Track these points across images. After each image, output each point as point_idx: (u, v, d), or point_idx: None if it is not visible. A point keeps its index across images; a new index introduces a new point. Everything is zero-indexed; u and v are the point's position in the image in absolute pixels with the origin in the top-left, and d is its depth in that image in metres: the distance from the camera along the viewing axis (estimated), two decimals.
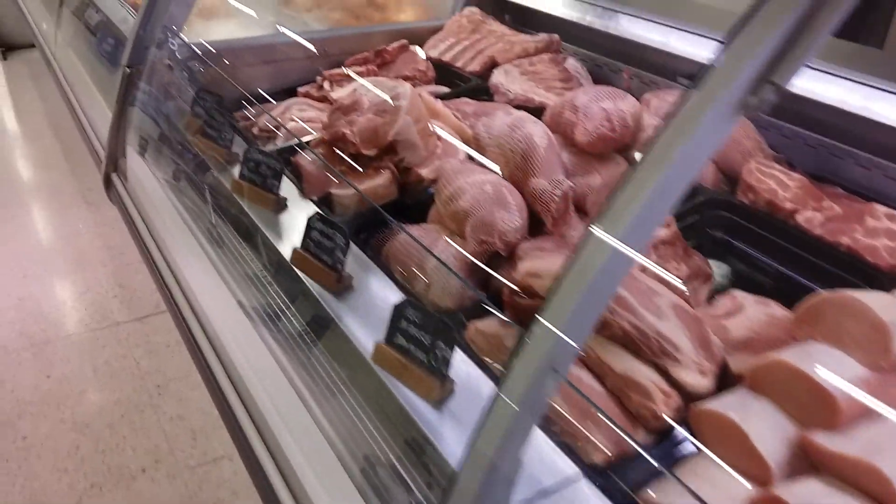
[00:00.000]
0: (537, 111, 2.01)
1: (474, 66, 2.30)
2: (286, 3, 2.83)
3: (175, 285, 1.88)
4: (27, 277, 2.93)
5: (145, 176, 2.10)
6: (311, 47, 2.28)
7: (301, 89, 2.27)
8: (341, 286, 1.37)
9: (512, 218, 1.37)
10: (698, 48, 2.01)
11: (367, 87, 1.85)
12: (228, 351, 1.52)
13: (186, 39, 2.07)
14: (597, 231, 0.75)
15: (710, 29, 1.99)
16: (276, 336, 1.50)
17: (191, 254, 1.86)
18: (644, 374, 1.07)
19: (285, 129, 1.96)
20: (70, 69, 2.88)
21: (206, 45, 2.13)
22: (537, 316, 0.77)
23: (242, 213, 1.73)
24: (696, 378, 1.08)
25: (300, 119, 2.08)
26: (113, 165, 2.15)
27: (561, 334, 0.77)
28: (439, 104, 1.93)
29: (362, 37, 2.44)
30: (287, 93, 2.30)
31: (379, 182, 1.72)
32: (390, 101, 1.73)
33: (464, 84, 2.30)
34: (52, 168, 3.94)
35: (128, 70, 2.03)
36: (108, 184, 2.18)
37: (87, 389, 2.36)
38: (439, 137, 1.83)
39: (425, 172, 1.74)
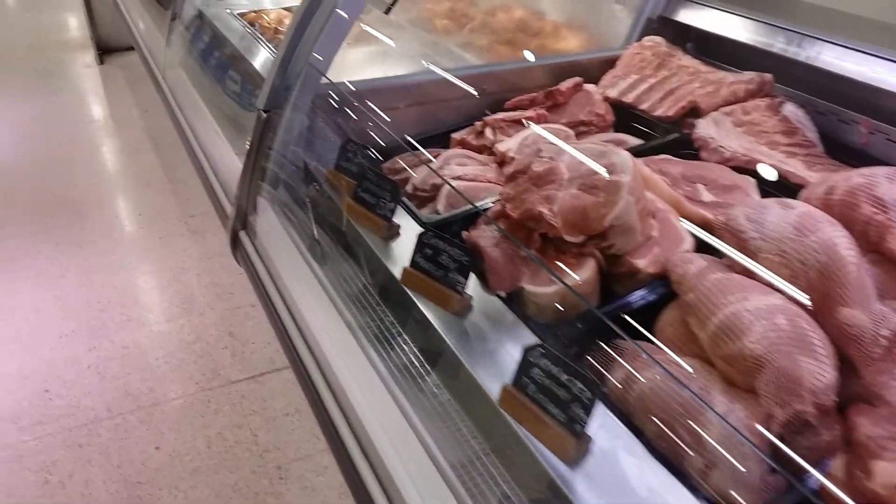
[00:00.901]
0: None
1: (665, 110, 1.90)
2: (425, 27, 2.49)
3: (318, 374, 1.56)
4: (131, 321, 2.70)
5: (279, 237, 1.79)
6: (465, 86, 1.93)
7: (456, 135, 1.93)
8: (580, 451, 1.01)
9: (822, 370, 0.99)
10: None
11: (563, 148, 1.49)
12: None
13: (331, 79, 1.75)
14: None
15: None
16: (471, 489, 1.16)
17: (339, 342, 1.54)
18: None
19: (458, 192, 1.61)
20: (185, 98, 2.61)
21: (351, 85, 1.80)
22: None
23: (412, 306, 1.39)
24: None
25: (463, 177, 1.74)
26: (241, 222, 1.85)
27: None
28: (646, 169, 1.55)
29: (521, 72, 2.08)
30: (436, 139, 1.96)
31: (584, 276, 1.35)
32: (604, 173, 1.35)
33: (651, 132, 1.91)
34: (153, 187, 3.73)
35: (264, 115, 1.72)
36: (234, 242, 1.89)
37: (200, 468, 2.09)
38: (654, 215, 1.45)
39: (642, 264, 1.37)
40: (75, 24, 6.63)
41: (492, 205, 1.61)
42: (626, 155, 1.39)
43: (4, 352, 2.53)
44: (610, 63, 2.15)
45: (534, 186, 1.44)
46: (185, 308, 2.80)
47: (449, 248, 1.31)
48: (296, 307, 1.68)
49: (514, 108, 1.97)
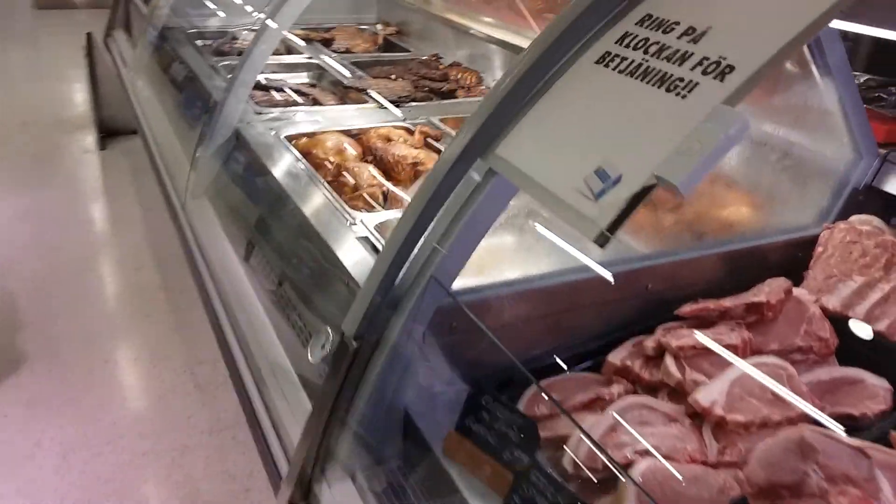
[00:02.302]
0: None
1: None
2: None
3: None
4: None
5: None
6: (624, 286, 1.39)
7: (615, 359, 1.39)
8: None
9: None
10: None
11: (854, 449, 0.93)
12: None
13: (453, 294, 1.20)
14: None
15: None
16: None
17: None
18: None
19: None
20: (214, 250, 2.07)
21: (478, 294, 1.26)
22: None
23: None
24: None
25: (655, 448, 1.16)
26: (302, 492, 1.26)
27: None
28: None
29: (687, 263, 1.54)
30: (585, 356, 1.41)
31: None
32: None
33: (892, 364, 1.36)
34: (153, 318, 3.18)
35: (353, 344, 1.16)
36: None
37: None
38: None
39: None
40: (78, 99, 6.20)
41: None
42: None
43: None
44: (801, 247, 1.63)
45: None
46: None
47: None
48: None
49: (693, 318, 1.42)
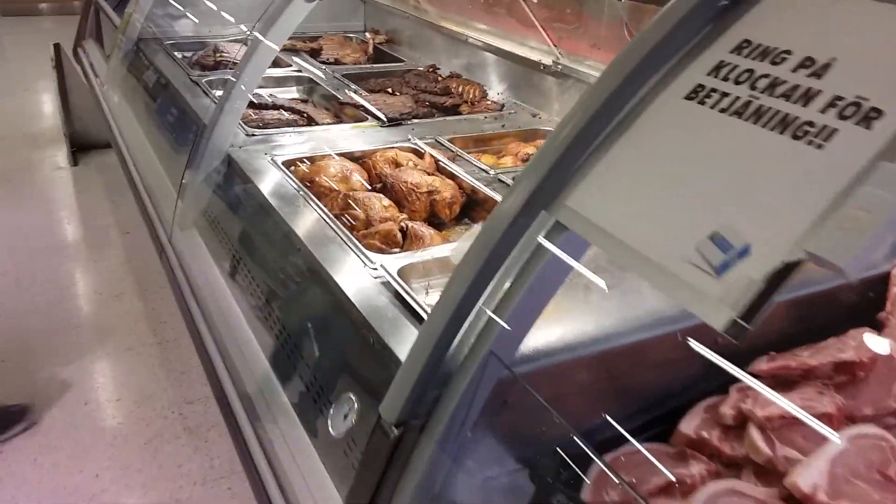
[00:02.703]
0: None
1: None
2: None
3: None
4: None
5: None
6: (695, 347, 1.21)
7: (687, 428, 1.22)
8: None
9: None
10: None
11: None
12: None
13: (512, 369, 1.02)
14: None
15: None
16: None
17: None
18: None
19: None
20: (210, 295, 1.86)
21: (530, 364, 1.08)
22: None
23: None
24: None
25: None
26: None
27: None
28: None
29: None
30: (643, 427, 1.24)
31: None
32: None
33: None
34: (136, 351, 2.96)
35: (394, 432, 0.98)
36: None
37: None
38: None
39: None
40: (47, 111, 5.92)
41: None
42: None
43: None
44: (871, 286, 1.47)
45: None
46: None
47: None
48: None
49: (773, 376, 1.25)
